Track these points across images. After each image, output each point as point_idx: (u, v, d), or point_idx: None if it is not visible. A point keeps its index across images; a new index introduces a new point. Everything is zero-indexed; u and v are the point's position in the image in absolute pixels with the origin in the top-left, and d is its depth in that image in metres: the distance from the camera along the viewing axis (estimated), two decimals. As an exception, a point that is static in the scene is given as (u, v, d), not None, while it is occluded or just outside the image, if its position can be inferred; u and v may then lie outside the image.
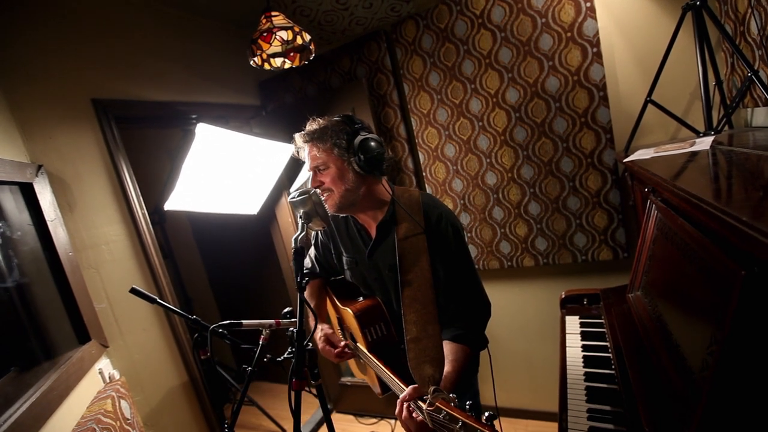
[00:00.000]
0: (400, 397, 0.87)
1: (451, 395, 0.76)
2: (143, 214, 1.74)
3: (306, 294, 1.44)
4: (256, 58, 1.32)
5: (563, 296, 1.69)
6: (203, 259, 3.44)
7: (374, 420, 2.56)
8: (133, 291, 1.24)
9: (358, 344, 1.24)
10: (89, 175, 1.59)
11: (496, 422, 0.71)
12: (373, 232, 1.19)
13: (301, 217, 1.00)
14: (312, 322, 1.37)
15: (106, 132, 1.64)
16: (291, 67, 1.43)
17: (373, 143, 1.09)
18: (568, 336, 1.54)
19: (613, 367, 1.27)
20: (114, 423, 1.27)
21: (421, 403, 0.81)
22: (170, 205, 1.84)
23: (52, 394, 1.15)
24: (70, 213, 1.51)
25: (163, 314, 1.76)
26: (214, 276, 3.46)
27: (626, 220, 1.77)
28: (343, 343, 1.27)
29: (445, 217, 1.12)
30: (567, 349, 1.46)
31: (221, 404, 2.88)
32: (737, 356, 0.65)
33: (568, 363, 1.39)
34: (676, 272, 0.97)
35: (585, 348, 1.44)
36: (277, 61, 1.37)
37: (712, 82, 1.44)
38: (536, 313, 2.09)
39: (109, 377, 1.49)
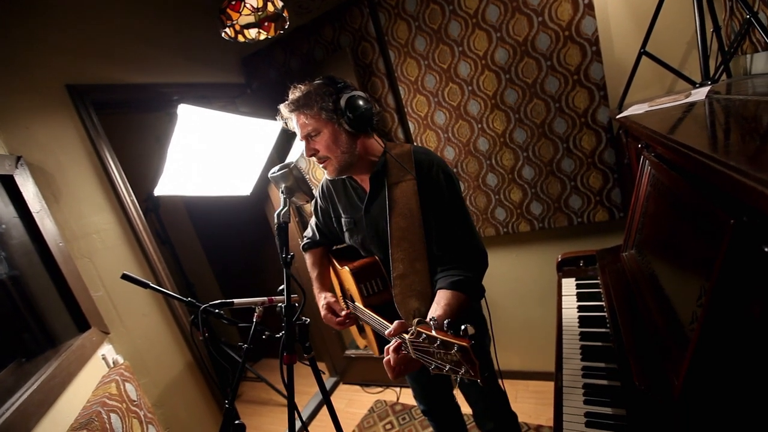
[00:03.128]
0: (386, 332, 0.86)
1: (430, 320, 0.75)
2: (132, 201, 1.72)
3: (309, 262, 1.44)
4: (227, 30, 1.25)
5: (559, 259, 1.69)
6: (202, 243, 3.45)
7: (380, 389, 2.64)
8: (125, 277, 1.23)
9: (356, 303, 1.24)
10: (72, 164, 1.56)
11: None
12: (368, 187, 1.18)
13: (282, 192, 0.98)
14: (318, 298, 1.37)
15: (84, 118, 1.59)
16: (268, 38, 1.37)
17: (360, 101, 1.07)
18: (564, 298, 1.54)
19: (608, 325, 1.28)
20: (120, 405, 1.30)
21: (405, 335, 0.81)
22: (159, 190, 1.82)
23: (54, 381, 1.17)
24: (56, 204, 1.49)
25: (162, 298, 1.78)
26: (215, 259, 3.48)
27: (622, 179, 1.74)
28: (344, 312, 1.28)
29: (436, 163, 1.11)
30: (563, 310, 1.47)
31: (221, 385, 2.96)
32: (725, 306, 0.64)
33: (564, 324, 1.40)
34: (668, 228, 0.95)
35: (581, 309, 1.44)
36: (252, 33, 1.30)
37: (710, 29, 1.37)
38: (533, 277, 2.09)
39: (113, 362, 1.52)
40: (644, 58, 1.44)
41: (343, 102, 1.06)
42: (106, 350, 1.52)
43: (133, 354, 1.62)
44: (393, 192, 1.10)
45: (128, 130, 2.86)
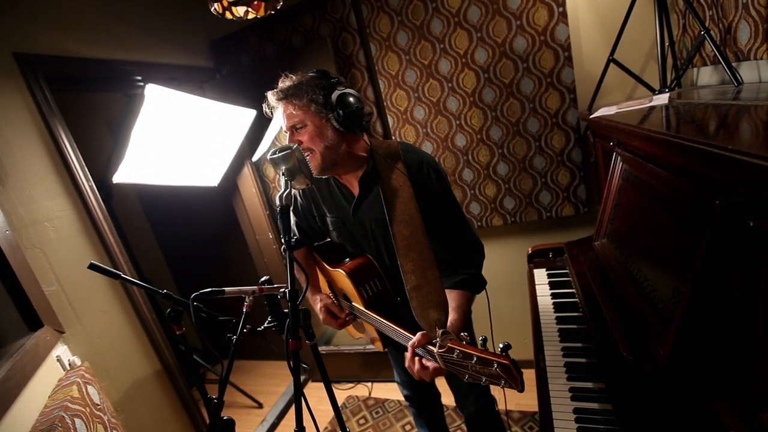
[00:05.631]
0: (410, 343, 0.87)
1: (462, 334, 0.78)
2: (90, 186, 1.57)
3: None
4: (216, 5, 1.19)
5: (530, 251, 1.78)
6: (157, 238, 3.22)
7: (351, 385, 2.62)
8: (92, 266, 1.12)
9: (353, 303, 1.23)
10: (20, 143, 1.39)
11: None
12: (355, 189, 1.16)
13: (283, 174, 0.95)
14: (314, 302, 1.34)
15: (35, 92, 1.43)
16: (255, 18, 1.31)
17: (351, 98, 1.05)
18: (537, 287, 1.63)
19: (581, 310, 1.38)
20: (83, 409, 1.17)
21: (431, 347, 0.82)
22: (120, 177, 1.67)
23: (9, 384, 1.04)
24: (1, 186, 1.32)
25: (124, 294, 1.63)
26: (171, 255, 3.25)
27: (587, 176, 1.88)
28: (344, 314, 1.27)
29: (426, 162, 1.12)
30: (538, 298, 1.56)
31: (197, 382, 2.79)
32: (710, 279, 0.72)
33: (540, 311, 1.48)
34: (644, 216, 1.04)
35: (554, 296, 1.54)
36: (240, 11, 1.24)
37: (666, 43, 1.53)
38: (504, 270, 2.19)
39: (70, 364, 1.37)
40: (610, 64, 1.58)
41: (334, 97, 1.04)
42: (61, 351, 1.37)
43: (91, 355, 1.47)
44: (389, 198, 1.08)
45: (77, 112, 2.59)
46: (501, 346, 0.72)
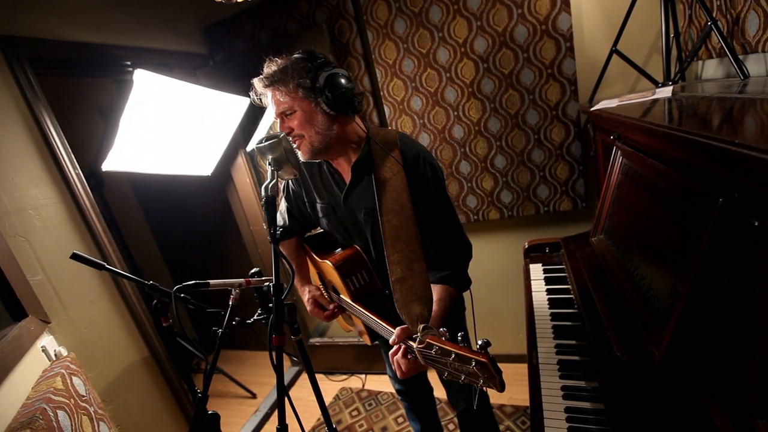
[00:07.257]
0: (391, 340, 0.85)
1: (441, 329, 0.75)
2: (77, 174, 1.53)
3: (284, 254, 1.37)
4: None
5: (527, 246, 1.75)
6: (151, 227, 3.19)
7: (344, 377, 2.61)
8: (75, 257, 1.08)
9: (341, 296, 1.20)
10: (3, 128, 1.35)
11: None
12: (347, 175, 1.13)
13: (270, 164, 0.91)
14: (302, 293, 1.31)
15: (18, 76, 1.38)
16: (247, 2, 1.26)
17: (341, 79, 1.01)
18: (533, 282, 1.61)
19: (576, 306, 1.36)
20: (67, 401, 1.15)
21: (411, 342, 0.80)
22: (109, 165, 1.63)
23: (-12, 375, 1.01)
24: (-18, 173, 1.28)
25: (113, 284, 1.61)
26: (165, 245, 3.23)
27: (586, 171, 1.84)
28: (332, 306, 1.25)
29: (422, 156, 1.09)
30: (533, 293, 1.54)
31: (185, 375, 2.79)
32: (710, 279, 0.69)
33: (534, 306, 1.46)
34: (643, 212, 1.01)
35: (549, 292, 1.51)
36: (230, -7, 1.20)
37: (671, 35, 1.48)
38: (500, 264, 2.17)
39: (56, 354, 1.35)
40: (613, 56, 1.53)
41: (321, 80, 0.99)
42: (47, 341, 1.35)
43: (78, 345, 1.45)
44: (382, 186, 1.05)
45: (67, 98, 2.54)
46: (479, 343, 0.68)
